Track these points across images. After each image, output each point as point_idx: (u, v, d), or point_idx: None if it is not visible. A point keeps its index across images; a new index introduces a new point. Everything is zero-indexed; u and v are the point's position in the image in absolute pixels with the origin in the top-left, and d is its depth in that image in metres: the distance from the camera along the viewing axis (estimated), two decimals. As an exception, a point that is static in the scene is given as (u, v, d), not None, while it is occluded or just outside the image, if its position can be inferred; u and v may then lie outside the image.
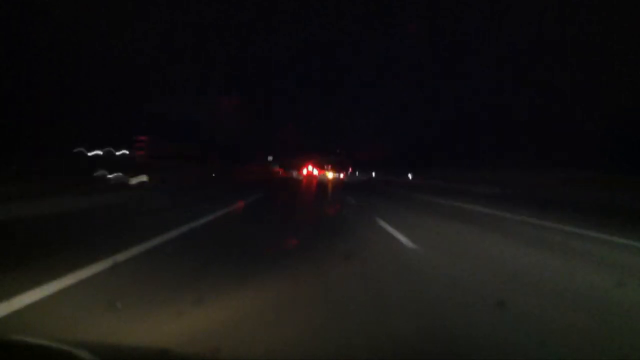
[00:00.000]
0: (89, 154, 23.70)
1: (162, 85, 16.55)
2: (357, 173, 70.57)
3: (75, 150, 21.09)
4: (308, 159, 62.76)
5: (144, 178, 13.98)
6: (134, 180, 13.50)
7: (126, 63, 13.57)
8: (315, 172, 56.06)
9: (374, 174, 57.49)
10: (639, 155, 16.27)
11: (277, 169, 56.05)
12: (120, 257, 3.23)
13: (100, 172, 13.74)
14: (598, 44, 12.42)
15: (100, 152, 26.22)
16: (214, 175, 23.65)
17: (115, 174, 13.77)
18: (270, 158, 55.50)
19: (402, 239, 4.46)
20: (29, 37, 10.89)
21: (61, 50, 11.92)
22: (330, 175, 55.16)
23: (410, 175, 38.52)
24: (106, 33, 11.12)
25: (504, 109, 21.09)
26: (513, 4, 10.16)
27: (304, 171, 55.19)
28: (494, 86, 17.29)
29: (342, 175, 63.18)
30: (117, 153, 30.00)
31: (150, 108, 19.49)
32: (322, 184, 26.16)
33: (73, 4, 9.47)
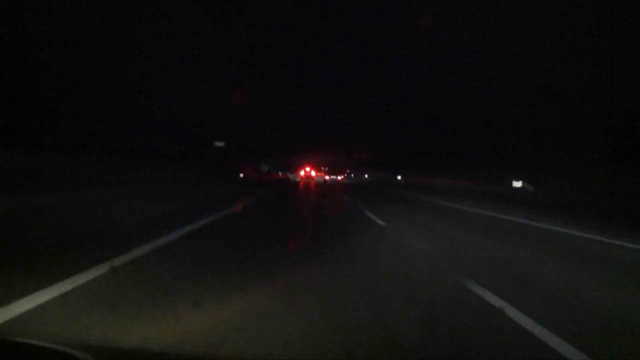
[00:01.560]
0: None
1: (161, 85, 16.54)
2: (366, 175, 58.76)
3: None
4: (305, 159, 58.78)
5: None
6: None
7: (125, 63, 13.57)
8: (313, 173, 54.40)
9: (400, 177, 41.24)
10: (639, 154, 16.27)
11: (239, 164, 38.59)
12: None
13: None
14: (598, 44, 12.43)
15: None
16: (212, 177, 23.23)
17: None
18: (220, 144, 32.25)
19: None
20: (27, 37, 10.89)
21: (60, 50, 11.93)
22: (327, 177, 52.85)
23: (518, 183, 19.30)
24: (105, 32, 11.11)
25: (503, 108, 21.12)
26: (513, 3, 10.20)
27: (302, 172, 53.23)
28: (493, 86, 17.31)
29: (339, 178, 56.89)
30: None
31: (149, 108, 19.45)
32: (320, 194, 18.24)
33: (72, 3, 9.45)
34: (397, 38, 12.90)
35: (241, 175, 32.54)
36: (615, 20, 10.73)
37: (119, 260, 3.58)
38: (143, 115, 19.62)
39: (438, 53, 14.02)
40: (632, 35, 11.37)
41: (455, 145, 31.95)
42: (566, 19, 11.02)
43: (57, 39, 10.94)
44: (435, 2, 10.73)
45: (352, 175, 68.85)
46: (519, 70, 15.34)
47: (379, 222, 6.87)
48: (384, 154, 46.62)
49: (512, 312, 2.57)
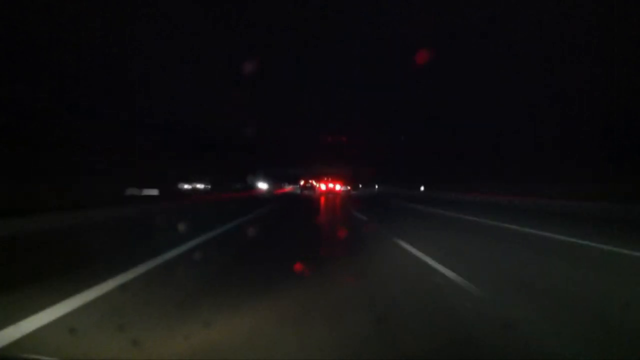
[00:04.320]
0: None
1: (161, 86, 16.50)
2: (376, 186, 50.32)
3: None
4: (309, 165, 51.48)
5: None
6: None
7: (124, 63, 13.52)
8: (316, 184, 49.50)
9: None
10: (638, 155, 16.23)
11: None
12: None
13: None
14: (598, 44, 12.42)
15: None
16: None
17: None
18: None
19: None
20: (27, 37, 10.85)
21: (60, 50, 11.89)
22: (323, 187, 47.88)
23: None
24: (104, 32, 11.08)
25: (503, 108, 21.07)
26: (513, 3, 10.19)
27: (301, 183, 48.46)
28: (493, 85, 17.31)
29: (338, 187, 49.93)
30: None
31: (149, 109, 19.38)
32: None
33: (72, 3, 9.43)
34: (397, 38, 12.96)
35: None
36: (615, 20, 10.71)
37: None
38: (143, 115, 19.55)
39: (438, 53, 14.05)
40: (632, 35, 11.36)
41: (454, 146, 31.72)
42: (566, 19, 10.99)
43: (57, 39, 10.93)
44: (435, 2, 10.76)
45: (360, 185, 58.75)
46: (519, 70, 15.31)
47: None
48: (384, 154, 44.52)
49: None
